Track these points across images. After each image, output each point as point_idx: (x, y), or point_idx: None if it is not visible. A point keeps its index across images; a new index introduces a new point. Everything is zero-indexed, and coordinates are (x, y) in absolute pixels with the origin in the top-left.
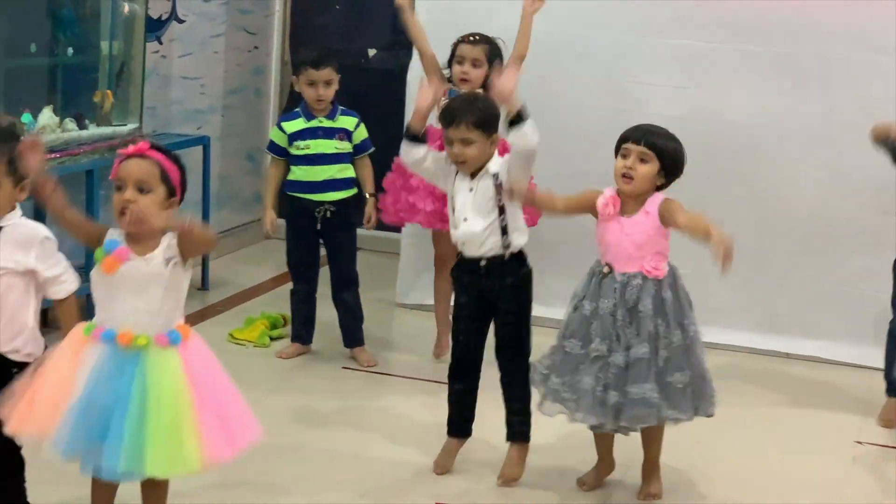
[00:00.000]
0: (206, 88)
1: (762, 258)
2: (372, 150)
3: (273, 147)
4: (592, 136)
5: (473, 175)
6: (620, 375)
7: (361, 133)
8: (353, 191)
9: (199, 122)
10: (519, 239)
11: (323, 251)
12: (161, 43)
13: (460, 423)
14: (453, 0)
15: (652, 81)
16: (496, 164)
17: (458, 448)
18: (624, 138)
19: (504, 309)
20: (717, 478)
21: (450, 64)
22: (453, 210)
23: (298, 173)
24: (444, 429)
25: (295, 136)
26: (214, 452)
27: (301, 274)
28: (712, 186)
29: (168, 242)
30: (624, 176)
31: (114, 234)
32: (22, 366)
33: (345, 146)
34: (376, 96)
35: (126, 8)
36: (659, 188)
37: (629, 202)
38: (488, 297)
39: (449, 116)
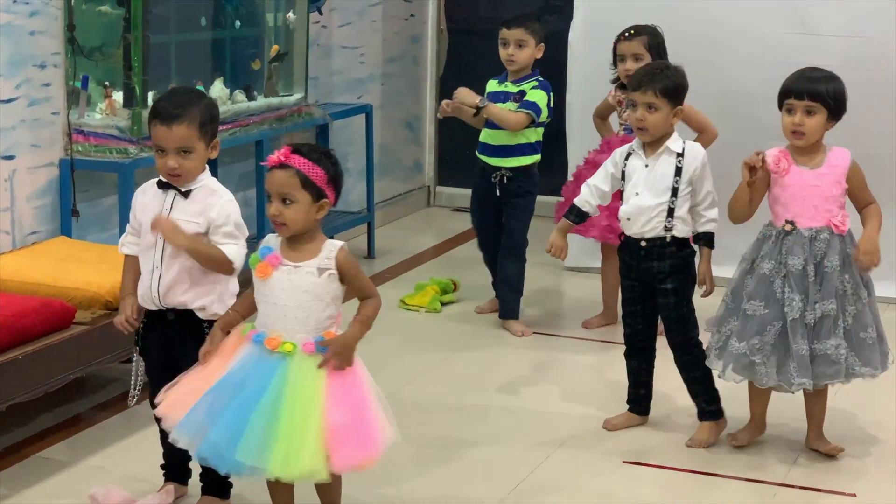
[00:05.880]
0: (366, 57)
1: None
2: (536, 114)
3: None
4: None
5: (650, 152)
6: (808, 332)
7: (533, 94)
8: (532, 158)
9: (359, 91)
10: (682, 226)
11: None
12: (321, 13)
13: (637, 399)
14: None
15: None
16: (678, 143)
17: (635, 422)
18: (786, 92)
19: (664, 290)
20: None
21: (614, 64)
22: (623, 190)
23: (483, 135)
24: (615, 387)
25: (489, 96)
26: (343, 459)
27: (480, 242)
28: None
29: (327, 253)
30: (794, 133)
31: (270, 241)
32: (211, 324)
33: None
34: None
35: None
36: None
37: (803, 153)
38: (648, 280)
39: (636, 82)
